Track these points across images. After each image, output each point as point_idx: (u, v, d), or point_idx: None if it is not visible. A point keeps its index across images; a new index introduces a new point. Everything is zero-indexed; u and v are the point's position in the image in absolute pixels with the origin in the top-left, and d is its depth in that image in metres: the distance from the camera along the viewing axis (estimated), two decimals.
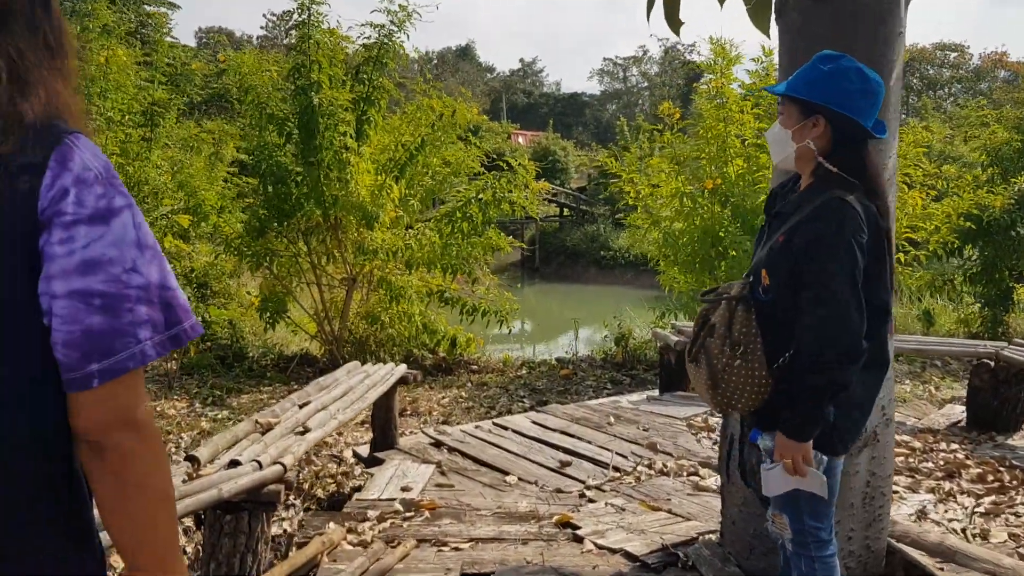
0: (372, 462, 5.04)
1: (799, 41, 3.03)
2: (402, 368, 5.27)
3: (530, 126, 53.21)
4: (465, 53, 78.21)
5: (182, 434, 6.18)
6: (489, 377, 8.15)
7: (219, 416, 6.69)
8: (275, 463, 3.19)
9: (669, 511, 4.09)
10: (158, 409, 6.74)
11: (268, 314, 8.30)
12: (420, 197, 8.60)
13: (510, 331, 8.73)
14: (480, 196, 8.31)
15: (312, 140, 7.68)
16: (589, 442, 5.25)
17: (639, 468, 4.78)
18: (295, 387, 7.85)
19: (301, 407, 4.02)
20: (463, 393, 7.50)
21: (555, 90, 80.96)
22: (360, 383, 4.70)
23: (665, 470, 4.76)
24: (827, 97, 2.23)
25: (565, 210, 31.50)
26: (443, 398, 7.33)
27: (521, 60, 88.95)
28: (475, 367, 8.55)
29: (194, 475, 3.07)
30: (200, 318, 8.60)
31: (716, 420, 5.72)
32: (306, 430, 3.69)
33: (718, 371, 2.31)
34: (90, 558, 1.13)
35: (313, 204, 7.86)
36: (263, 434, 3.59)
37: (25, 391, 1.03)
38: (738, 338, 2.29)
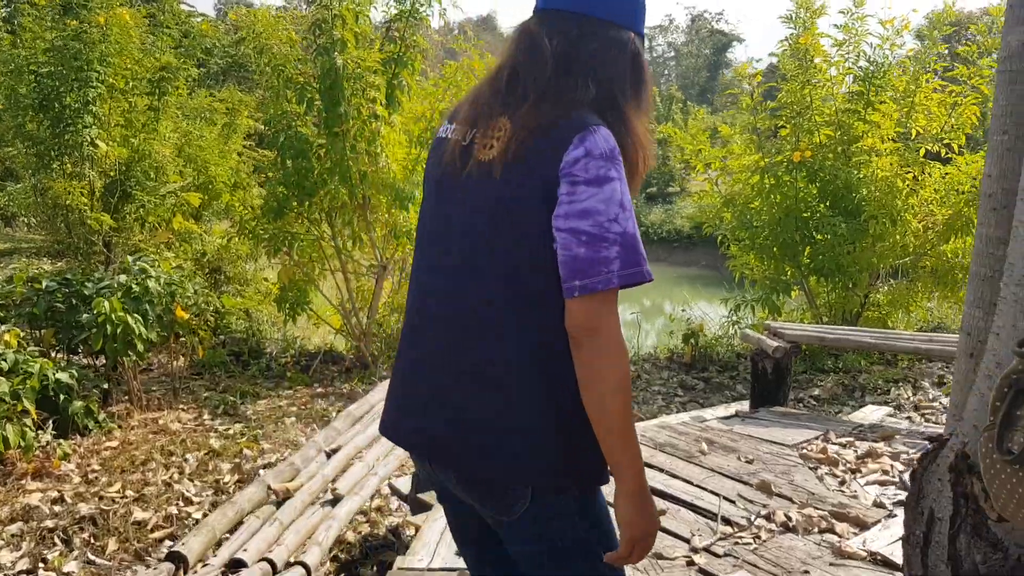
0: (416, 506, 4.03)
1: None
2: None
3: None
4: (487, 23, 76.76)
5: (187, 455, 5.22)
6: None
7: (231, 431, 5.72)
8: (295, 563, 2.19)
9: None
10: (159, 422, 5.78)
11: (288, 305, 7.29)
12: None
13: None
14: None
15: (336, 108, 6.64)
16: (683, 479, 4.22)
17: (756, 521, 3.76)
18: (319, 389, 6.90)
19: (329, 455, 3.02)
20: None
21: None
22: None
23: (790, 524, 3.73)
24: None
25: None
26: None
27: None
28: None
29: None
30: (212, 308, 7.66)
31: (836, 449, 4.67)
32: (336, 498, 2.69)
33: None
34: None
35: (338, 181, 6.82)
36: (278, 506, 2.60)
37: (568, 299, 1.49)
38: None
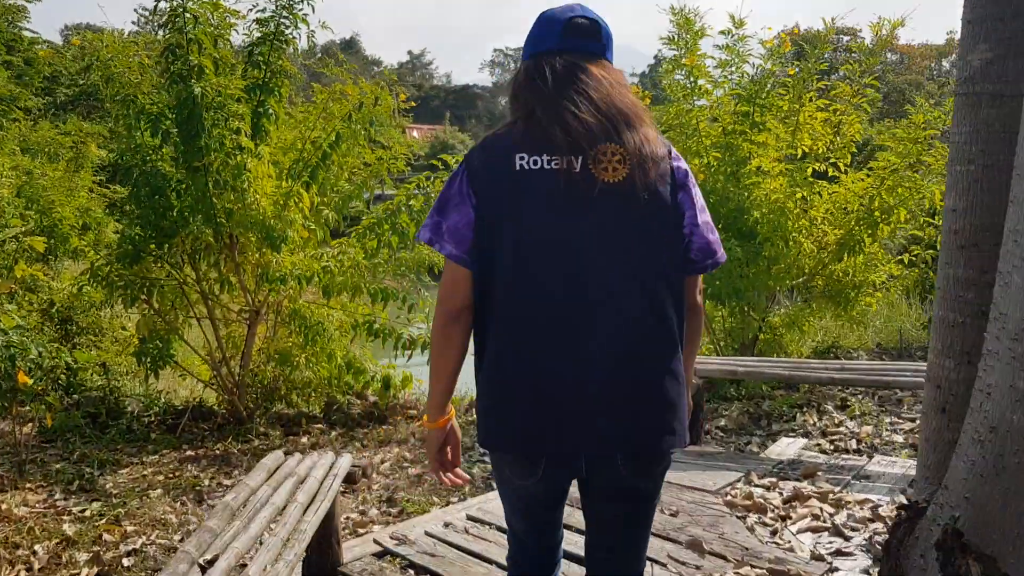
0: None
1: None
2: (346, 462, 3.74)
3: (422, 120, 51.74)
4: (350, 46, 76.01)
5: (35, 546, 4.50)
6: None
7: (87, 512, 5.01)
8: None
9: None
10: (2, 507, 5.01)
11: (149, 359, 6.55)
12: (336, 206, 7.00)
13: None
14: (410, 203, 6.79)
15: (196, 140, 5.99)
16: None
17: None
18: (188, 452, 6.21)
19: (204, 568, 2.49)
20: (407, 452, 5.98)
21: (446, 82, 79.52)
22: (290, 499, 3.16)
23: None
24: None
25: None
26: (383, 461, 5.81)
27: (409, 52, 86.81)
28: (414, 411, 7.04)
29: None
30: (64, 364, 6.85)
31: (760, 492, 4.41)
32: None
33: None
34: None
35: (201, 220, 6.18)
36: None
37: (679, 275, 1.95)
38: None
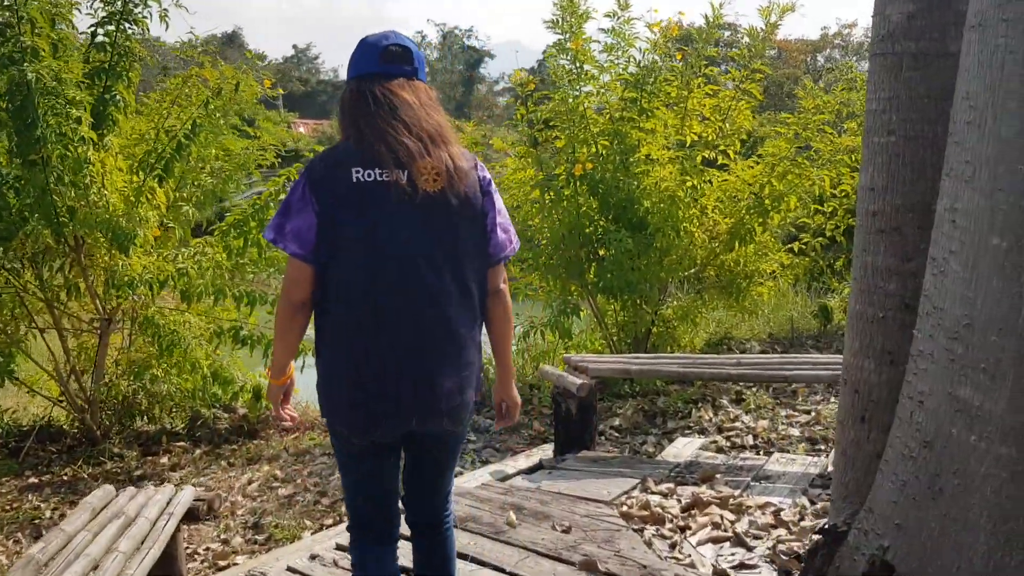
0: None
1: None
2: (188, 496, 3.24)
3: (310, 115, 50.48)
4: (232, 40, 73.58)
5: None
6: (311, 438, 6.13)
7: None
8: None
9: None
10: None
11: None
12: (196, 201, 6.41)
13: None
14: (281, 196, 6.25)
15: (31, 130, 5.32)
16: (493, 566, 3.46)
17: None
18: (31, 479, 5.56)
19: None
20: (277, 471, 5.46)
21: (333, 77, 77.92)
22: (111, 548, 2.65)
23: None
24: None
25: None
26: (250, 481, 5.28)
27: (295, 47, 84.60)
28: (289, 424, 6.51)
29: None
30: None
31: (658, 500, 4.10)
32: None
33: None
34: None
35: (40, 220, 5.53)
36: None
37: (484, 267, 2.34)
38: None
